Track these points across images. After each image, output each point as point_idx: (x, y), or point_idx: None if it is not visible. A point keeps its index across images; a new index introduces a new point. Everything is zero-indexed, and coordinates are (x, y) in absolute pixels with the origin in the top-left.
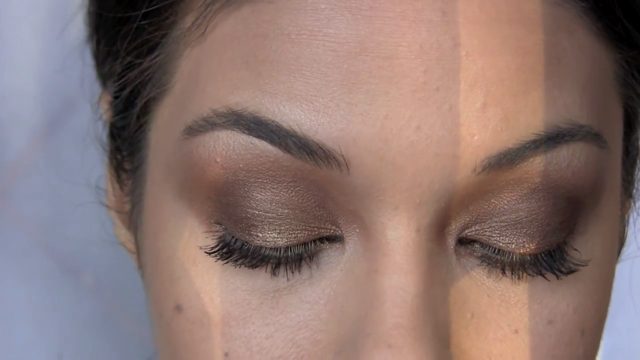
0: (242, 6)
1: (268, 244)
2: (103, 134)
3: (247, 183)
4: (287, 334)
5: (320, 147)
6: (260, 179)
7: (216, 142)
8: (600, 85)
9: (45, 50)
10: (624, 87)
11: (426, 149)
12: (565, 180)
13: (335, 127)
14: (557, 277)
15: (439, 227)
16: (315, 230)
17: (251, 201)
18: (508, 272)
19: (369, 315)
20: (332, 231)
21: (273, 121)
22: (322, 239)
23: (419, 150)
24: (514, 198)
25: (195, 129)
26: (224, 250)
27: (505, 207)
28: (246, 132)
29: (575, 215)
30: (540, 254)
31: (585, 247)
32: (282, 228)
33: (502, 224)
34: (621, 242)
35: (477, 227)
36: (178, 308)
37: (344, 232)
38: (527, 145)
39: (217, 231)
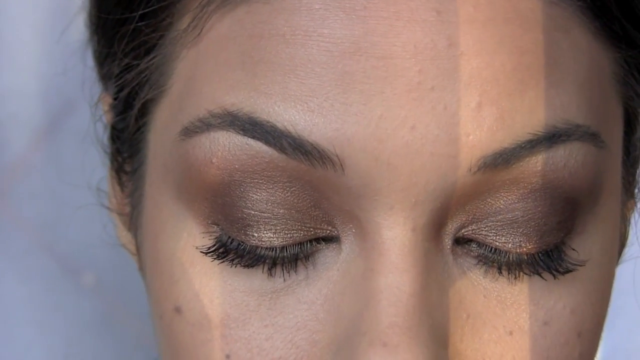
0: (238, 7)
1: (264, 243)
2: (104, 136)
3: (242, 184)
4: (286, 335)
5: (315, 147)
6: (255, 179)
7: (212, 143)
8: (598, 85)
9: (45, 50)
10: (623, 86)
11: (421, 149)
12: (562, 181)
13: (329, 127)
14: (554, 276)
15: (435, 227)
16: (311, 231)
17: (247, 201)
18: (505, 272)
19: (364, 315)
20: (328, 231)
21: (268, 122)
22: (318, 239)
23: (414, 150)
24: (510, 198)
25: (192, 130)
26: (220, 250)
27: (501, 206)
28: (241, 132)
29: (573, 215)
30: (538, 253)
31: (584, 247)
32: (278, 228)
33: (499, 223)
34: (622, 242)
35: (473, 226)
36: (177, 310)
37: (340, 232)
38: (523, 145)
39: (213, 232)
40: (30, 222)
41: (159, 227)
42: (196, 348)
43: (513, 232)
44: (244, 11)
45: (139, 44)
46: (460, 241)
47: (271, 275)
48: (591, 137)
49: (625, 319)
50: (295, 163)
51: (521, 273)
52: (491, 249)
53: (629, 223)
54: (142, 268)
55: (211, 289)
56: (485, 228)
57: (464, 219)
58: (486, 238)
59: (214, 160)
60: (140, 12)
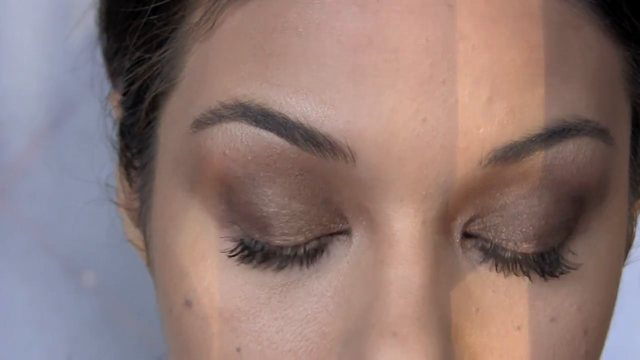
0: (250, 0)
1: (288, 242)
2: (113, 132)
3: (255, 177)
4: (296, 328)
5: (326, 138)
6: (268, 172)
7: (224, 134)
8: (607, 83)
9: (45, 50)
10: (632, 85)
11: (432, 142)
12: (571, 176)
13: (341, 120)
14: (562, 273)
15: (445, 220)
16: (327, 225)
17: (263, 197)
18: (513, 267)
19: (374, 306)
20: (339, 225)
21: (280, 113)
22: (332, 233)
23: (425, 142)
24: (519, 193)
25: (203, 122)
26: (245, 252)
27: (511, 201)
28: (254, 123)
29: (580, 212)
30: (533, 254)
31: (589, 245)
32: (299, 224)
33: (508, 218)
34: (629, 242)
35: (483, 220)
36: (187, 303)
37: (350, 224)
38: (534, 139)
39: (233, 232)
40: (30, 222)
41: (168, 221)
42: (206, 342)
43: (522, 227)
44: (256, 4)
45: (151, 37)
46: (470, 235)
47: (284, 269)
48: (600, 133)
49: (626, 318)
50: (307, 155)
51: (529, 270)
52: (500, 244)
53: (636, 223)
54: (150, 263)
55: (222, 282)
56: (494, 223)
57: (473, 213)
58: (496, 233)
59: (226, 152)
60: (152, 6)
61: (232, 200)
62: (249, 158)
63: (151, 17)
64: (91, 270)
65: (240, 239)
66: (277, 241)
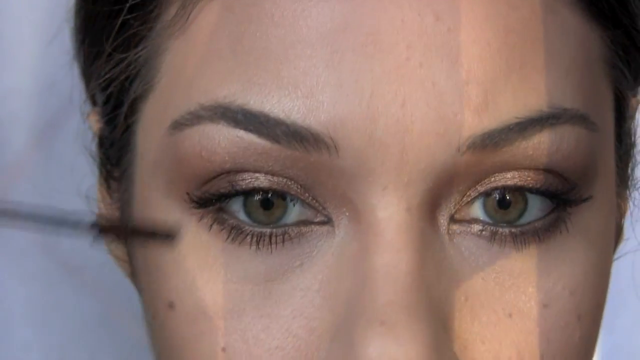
0: None
1: (255, 229)
2: (92, 145)
3: (234, 175)
4: (283, 324)
5: (309, 132)
6: (247, 170)
7: (201, 136)
8: (587, 68)
9: (45, 50)
10: (612, 69)
11: (411, 126)
12: (556, 164)
13: (322, 110)
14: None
15: (430, 206)
16: (304, 215)
17: (240, 189)
18: (503, 246)
19: (361, 296)
20: (321, 216)
21: (261, 112)
22: (311, 224)
23: (404, 127)
24: (504, 180)
25: (181, 123)
26: (222, 228)
27: (496, 187)
28: (233, 124)
29: (568, 195)
30: (536, 230)
31: (579, 226)
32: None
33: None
34: (618, 233)
35: (468, 207)
36: (170, 305)
37: (333, 216)
38: (511, 128)
39: (210, 220)
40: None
41: None
42: (191, 343)
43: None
44: None
45: (128, 37)
46: (456, 221)
47: (258, 248)
48: (581, 119)
49: (625, 318)
50: (289, 152)
51: (523, 246)
52: (487, 229)
53: (624, 215)
54: (133, 274)
55: (204, 281)
56: (480, 208)
57: (458, 199)
58: (482, 218)
59: (203, 154)
60: (129, 4)
61: (211, 192)
62: (227, 158)
63: (127, 17)
64: (90, 271)
65: (217, 218)
66: (256, 229)
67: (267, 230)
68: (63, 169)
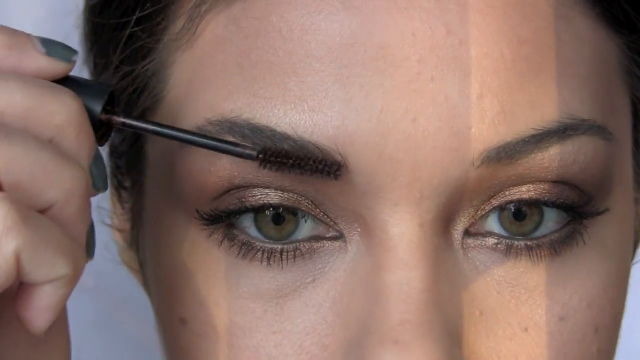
0: (233, 4)
1: (278, 245)
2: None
3: (241, 189)
4: (295, 341)
5: (317, 147)
6: (257, 186)
7: (210, 151)
8: (603, 76)
9: None
10: (628, 76)
11: (423, 142)
12: (572, 175)
13: (330, 125)
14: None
15: (444, 221)
16: (315, 231)
17: (250, 205)
18: (519, 259)
19: (374, 313)
20: (333, 232)
21: (267, 126)
22: (322, 239)
23: (416, 143)
24: (517, 193)
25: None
26: (233, 244)
27: (511, 200)
28: (240, 139)
29: (584, 208)
30: (551, 242)
31: (596, 238)
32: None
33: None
34: (637, 239)
35: (483, 220)
36: (182, 321)
37: (345, 232)
38: (527, 140)
39: (221, 235)
40: None
41: (159, 238)
42: (203, 359)
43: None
44: (239, 8)
45: (135, 49)
46: (470, 234)
47: (270, 264)
48: (598, 130)
49: (626, 318)
50: None
51: (538, 261)
52: (503, 242)
53: None
54: (145, 284)
55: (215, 297)
56: (495, 222)
57: (472, 213)
58: (497, 231)
59: (211, 169)
60: (135, 16)
61: (221, 209)
62: (235, 173)
63: (134, 29)
64: (90, 271)
65: (227, 234)
66: (259, 244)
67: (278, 246)
68: None
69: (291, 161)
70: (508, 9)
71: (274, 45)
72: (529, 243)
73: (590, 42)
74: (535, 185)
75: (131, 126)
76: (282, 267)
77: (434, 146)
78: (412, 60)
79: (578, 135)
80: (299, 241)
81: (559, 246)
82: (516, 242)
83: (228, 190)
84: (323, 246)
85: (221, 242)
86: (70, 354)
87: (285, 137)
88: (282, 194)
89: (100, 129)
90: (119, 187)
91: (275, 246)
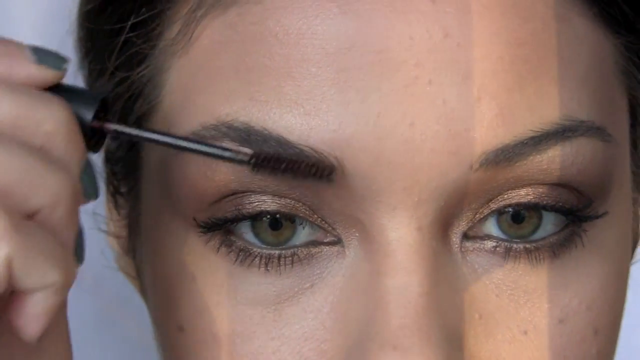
0: (228, 10)
1: (275, 251)
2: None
3: (240, 198)
4: (294, 347)
5: (313, 151)
6: (253, 191)
7: (206, 156)
8: (601, 77)
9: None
10: (626, 76)
11: (421, 146)
12: (571, 177)
13: (327, 129)
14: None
15: (442, 225)
16: (313, 236)
17: (250, 211)
18: (518, 262)
19: (373, 319)
20: (331, 237)
21: (264, 129)
22: (320, 244)
23: (414, 147)
24: (515, 197)
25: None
26: (230, 251)
27: (507, 203)
28: (237, 143)
29: (583, 212)
30: (550, 245)
31: (595, 240)
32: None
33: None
34: (635, 240)
35: (480, 224)
36: (180, 329)
37: (343, 237)
38: (526, 142)
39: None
40: None
41: (156, 245)
42: None
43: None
44: (235, 13)
45: (131, 55)
46: (469, 238)
47: (267, 270)
48: (597, 132)
49: (626, 318)
50: None
51: (538, 263)
52: (501, 245)
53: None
54: (143, 291)
55: (213, 304)
56: (494, 225)
57: (471, 216)
58: (496, 234)
59: (208, 174)
60: (131, 22)
61: (217, 217)
62: (232, 178)
63: (129, 35)
64: (91, 270)
65: (224, 240)
66: (256, 250)
67: (276, 252)
68: None
69: (284, 165)
70: (506, 11)
71: (271, 49)
72: (527, 246)
73: (588, 42)
74: (534, 189)
75: (122, 133)
76: (280, 273)
77: (432, 150)
78: (410, 64)
79: (577, 137)
80: (296, 247)
81: (557, 249)
82: (515, 245)
83: (225, 196)
84: (321, 251)
85: (218, 248)
86: (72, 358)
87: (280, 140)
88: (279, 200)
89: (94, 137)
90: (115, 194)
91: (273, 252)
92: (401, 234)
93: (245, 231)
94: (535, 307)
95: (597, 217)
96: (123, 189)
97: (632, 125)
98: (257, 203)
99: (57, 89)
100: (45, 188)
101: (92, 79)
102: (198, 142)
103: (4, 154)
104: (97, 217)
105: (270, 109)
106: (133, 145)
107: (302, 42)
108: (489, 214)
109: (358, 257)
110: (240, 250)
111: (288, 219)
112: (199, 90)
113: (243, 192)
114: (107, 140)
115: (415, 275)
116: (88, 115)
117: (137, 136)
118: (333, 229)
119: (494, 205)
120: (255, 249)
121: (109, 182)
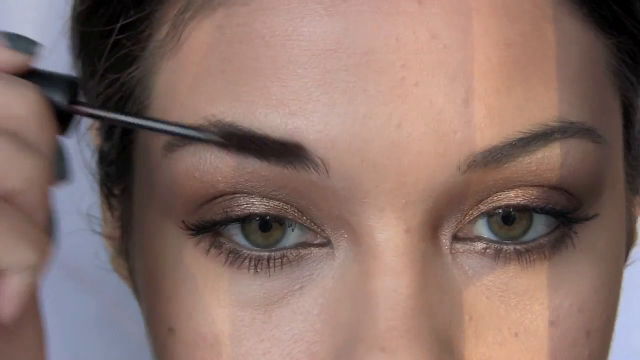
0: (216, 11)
1: (254, 253)
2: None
3: (226, 195)
4: (284, 349)
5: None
6: (242, 192)
7: (193, 157)
8: (592, 78)
9: (45, 50)
10: (618, 77)
11: (408, 148)
12: (561, 179)
13: (312, 130)
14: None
15: (431, 227)
16: (303, 237)
17: (238, 213)
18: (508, 264)
19: (361, 321)
20: (320, 239)
21: (249, 130)
22: (310, 246)
23: (401, 149)
24: (505, 199)
25: (174, 144)
26: (219, 252)
27: (498, 205)
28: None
29: (573, 212)
30: (541, 247)
31: (587, 243)
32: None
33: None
34: (630, 241)
35: (470, 225)
36: (171, 330)
37: (332, 239)
38: (514, 143)
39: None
40: None
41: (147, 247)
42: None
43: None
44: (223, 15)
45: (120, 57)
46: (459, 239)
47: (257, 272)
48: (587, 133)
49: (626, 318)
50: (279, 170)
51: (527, 265)
52: (491, 247)
53: (636, 221)
54: (136, 291)
55: (203, 306)
56: (483, 226)
57: (459, 218)
58: (485, 235)
59: (196, 174)
60: (120, 24)
61: (206, 220)
62: (219, 178)
63: (119, 37)
64: (91, 270)
65: (214, 242)
66: (246, 251)
67: (265, 254)
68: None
69: (251, 142)
70: (494, 11)
71: (257, 51)
72: (518, 247)
73: (578, 43)
74: (523, 191)
75: (93, 115)
76: (270, 275)
77: (418, 151)
78: (396, 66)
79: (566, 138)
80: (286, 248)
81: (548, 250)
82: (505, 247)
83: (213, 198)
84: (310, 253)
85: (208, 250)
86: (44, 343)
87: (264, 139)
88: (268, 202)
89: (65, 120)
90: (109, 195)
91: (262, 253)
92: (389, 235)
93: (235, 233)
94: (526, 309)
95: (587, 219)
96: (116, 191)
97: (625, 127)
98: (245, 205)
99: (30, 75)
100: (17, 171)
101: (84, 80)
102: (169, 123)
103: None
104: (91, 218)
105: (256, 109)
106: (124, 147)
107: (289, 43)
108: (478, 216)
109: (347, 258)
110: (230, 252)
111: (277, 220)
112: (187, 91)
113: (232, 193)
114: (99, 142)
115: (403, 277)
116: (59, 98)
117: (106, 118)
118: (322, 230)
119: (483, 207)
120: (244, 251)
121: (102, 184)
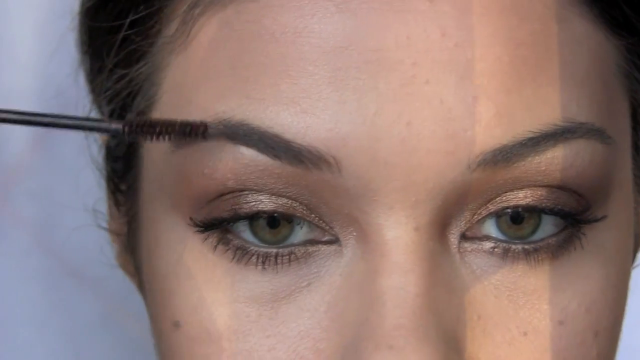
0: (226, 8)
1: (261, 249)
2: (99, 157)
3: (235, 192)
4: (290, 345)
5: (309, 149)
6: (250, 189)
7: (202, 154)
8: (601, 79)
9: (45, 50)
10: (627, 79)
11: (418, 146)
12: (570, 180)
13: (323, 128)
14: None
15: (440, 225)
16: (311, 235)
17: (247, 211)
18: (516, 263)
19: (369, 319)
20: (328, 236)
21: (260, 127)
22: (318, 243)
23: (411, 147)
24: (514, 199)
25: (183, 141)
26: (228, 249)
27: (505, 205)
28: (234, 140)
29: (581, 213)
30: (549, 246)
31: (595, 244)
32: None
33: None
34: (637, 241)
35: (479, 224)
36: (176, 325)
37: (340, 236)
38: (524, 143)
39: (215, 241)
40: (30, 222)
41: (154, 242)
42: None
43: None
44: (233, 11)
45: (129, 53)
46: (468, 238)
47: (265, 268)
48: (596, 133)
49: (627, 318)
50: (291, 168)
51: (536, 265)
52: (500, 246)
53: None
54: (141, 288)
55: (209, 301)
56: (492, 226)
57: (468, 217)
58: (494, 235)
59: (205, 171)
60: (129, 19)
61: (214, 217)
62: (229, 176)
63: (128, 32)
64: (91, 270)
65: (222, 239)
66: (253, 248)
67: (273, 250)
68: (63, 169)
69: (158, 129)
70: (504, 11)
71: (267, 48)
72: (526, 247)
73: (588, 43)
74: (532, 191)
75: None
76: (277, 271)
77: (428, 149)
78: (407, 64)
79: (575, 138)
80: (294, 245)
81: (556, 250)
82: (513, 246)
83: (222, 195)
84: (318, 250)
85: (216, 246)
86: None
87: (276, 138)
88: (277, 199)
89: None
90: (115, 191)
91: (270, 250)
92: (398, 233)
93: (243, 229)
94: (535, 309)
95: (596, 220)
96: (123, 187)
97: (634, 129)
98: (254, 203)
99: None
100: None
101: (92, 75)
102: (68, 117)
103: None
104: (97, 214)
105: (266, 106)
106: (132, 144)
107: (299, 40)
108: (487, 216)
109: (355, 256)
110: (238, 248)
111: (285, 218)
112: (196, 87)
113: (240, 190)
114: (107, 137)
115: (411, 275)
116: None
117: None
118: (331, 228)
119: (492, 207)
120: (252, 248)
121: (109, 180)
